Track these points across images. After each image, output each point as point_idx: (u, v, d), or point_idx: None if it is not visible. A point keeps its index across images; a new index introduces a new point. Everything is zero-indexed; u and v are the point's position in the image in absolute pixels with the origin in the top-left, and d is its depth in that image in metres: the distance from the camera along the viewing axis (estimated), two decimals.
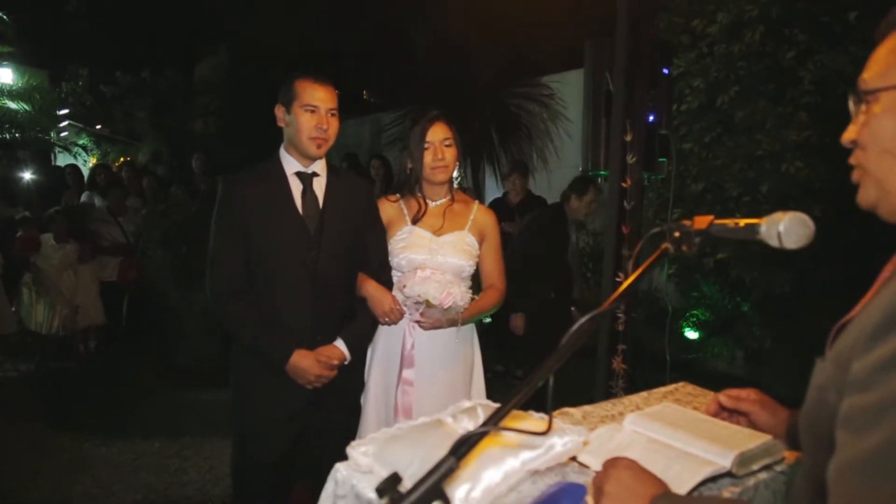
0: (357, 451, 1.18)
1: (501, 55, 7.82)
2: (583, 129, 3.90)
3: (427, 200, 2.47)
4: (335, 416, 2.38)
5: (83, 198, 6.89)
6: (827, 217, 3.47)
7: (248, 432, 2.37)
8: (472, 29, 7.81)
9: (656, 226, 1.32)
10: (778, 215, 1.12)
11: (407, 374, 2.38)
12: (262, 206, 2.21)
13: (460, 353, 2.46)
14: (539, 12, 7.02)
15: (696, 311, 5.66)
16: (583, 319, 1.09)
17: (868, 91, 0.96)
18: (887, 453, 0.74)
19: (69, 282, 5.90)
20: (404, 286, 2.29)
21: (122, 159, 11.92)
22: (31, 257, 5.78)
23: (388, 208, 2.48)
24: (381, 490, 0.88)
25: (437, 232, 2.43)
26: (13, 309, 5.97)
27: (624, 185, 3.65)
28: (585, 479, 1.21)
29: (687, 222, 1.24)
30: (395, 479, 0.90)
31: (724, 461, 1.23)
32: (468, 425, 1.24)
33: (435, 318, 2.31)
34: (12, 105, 9.14)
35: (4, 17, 9.01)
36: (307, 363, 2.20)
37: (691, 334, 5.72)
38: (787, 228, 1.10)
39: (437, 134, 2.41)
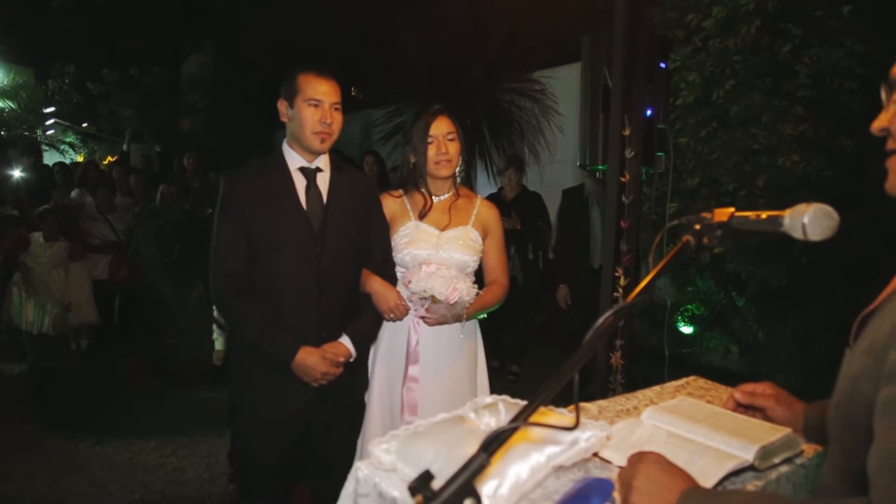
0: (379, 448, 1.16)
1: (492, 50, 7.80)
2: (580, 124, 3.90)
3: (432, 196, 2.45)
4: (339, 413, 2.36)
5: (73, 195, 6.80)
6: None
7: (250, 431, 2.35)
8: (462, 24, 7.79)
9: (674, 218, 1.31)
10: (802, 207, 1.11)
11: (412, 370, 2.37)
12: (266, 202, 2.18)
13: (464, 348, 2.45)
14: (529, 7, 7.00)
15: (690, 306, 5.67)
16: (607, 314, 1.08)
17: None
18: None
19: (59, 280, 5.82)
20: (409, 282, 2.27)
21: (108, 158, 11.80)
22: (20, 256, 5.70)
23: (392, 204, 2.46)
24: (414, 488, 0.87)
25: (442, 227, 2.41)
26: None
27: (622, 179, 3.65)
28: (608, 475, 1.20)
29: (707, 214, 1.23)
30: (427, 476, 0.88)
31: (747, 455, 1.22)
32: (490, 421, 1.22)
33: (440, 313, 2.30)
34: None
35: None
36: (313, 360, 2.17)
37: (685, 329, 5.73)
38: (811, 220, 1.09)
39: (441, 128, 2.39)
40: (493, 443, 0.90)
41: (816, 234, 1.10)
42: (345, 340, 2.27)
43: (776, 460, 1.27)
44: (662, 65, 3.92)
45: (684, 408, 1.45)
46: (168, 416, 4.59)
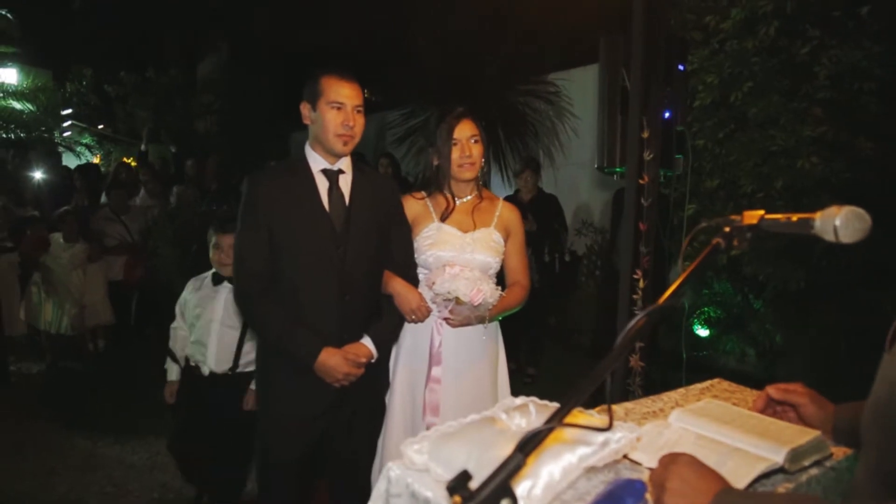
0: (411, 448, 1.17)
1: (506, 52, 7.80)
2: (598, 126, 3.89)
3: (455, 198, 2.47)
4: (360, 414, 2.37)
5: (103, 198, 6.86)
6: None
7: (271, 431, 2.36)
8: (477, 26, 7.79)
9: (704, 221, 1.31)
10: (833, 209, 1.11)
11: (435, 371, 2.38)
12: (288, 204, 2.20)
13: (486, 350, 2.46)
14: (543, 9, 7.00)
15: (706, 309, 5.65)
16: (639, 316, 1.09)
17: None
18: None
19: (78, 281, 5.89)
20: (433, 283, 2.28)
21: (125, 159, 11.90)
22: (40, 257, 5.77)
23: (414, 205, 2.47)
24: (452, 488, 0.87)
25: (465, 229, 2.42)
26: (22, 309, 5.95)
27: (641, 181, 3.65)
28: (638, 476, 1.20)
29: (736, 217, 1.23)
30: (464, 476, 0.89)
31: (777, 457, 1.22)
32: (521, 422, 1.23)
33: (464, 315, 2.31)
34: (17, 105, 9.12)
35: (9, 16, 8.98)
36: (335, 361, 2.18)
37: (702, 332, 5.71)
38: (843, 222, 1.09)
39: (465, 131, 2.40)
40: (530, 443, 0.91)
41: (848, 236, 1.10)
42: (366, 342, 2.28)
43: (806, 463, 1.27)
44: (681, 67, 3.91)
45: (712, 410, 1.45)
46: None
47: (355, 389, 2.27)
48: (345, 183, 2.30)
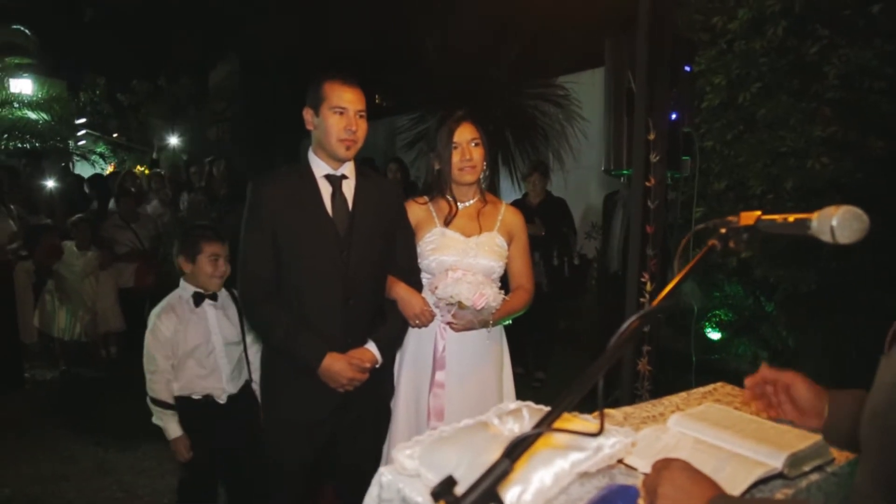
0: (403, 454, 1.16)
1: (515, 56, 7.80)
2: (604, 129, 3.88)
3: (457, 202, 2.46)
4: (365, 419, 2.37)
5: (111, 206, 6.93)
6: None
7: (276, 435, 2.36)
8: (485, 30, 7.79)
9: (701, 222, 1.30)
10: (830, 210, 1.09)
11: (439, 376, 2.37)
12: (292, 209, 2.20)
13: (491, 354, 2.44)
14: (552, 13, 6.99)
15: (717, 311, 5.60)
16: (631, 319, 1.07)
17: None
18: None
19: (91, 288, 5.94)
20: (436, 288, 2.28)
21: (138, 167, 12.02)
22: (53, 265, 5.82)
23: (417, 210, 2.47)
24: (437, 493, 0.87)
25: (468, 233, 2.41)
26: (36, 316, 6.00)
27: (647, 184, 3.62)
28: (633, 482, 1.19)
29: (733, 218, 1.22)
30: (450, 482, 0.88)
31: (776, 462, 1.20)
32: (514, 427, 1.22)
33: (467, 319, 2.30)
34: (32, 115, 9.27)
35: (26, 31, 9.14)
36: (340, 366, 2.18)
37: (713, 334, 5.66)
38: (840, 222, 1.07)
39: (465, 134, 2.40)
40: (517, 449, 0.90)
41: (846, 236, 1.08)
42: (371, 346, 2.28)
43: (806, 468, 1.25)
44: (687, 68, 3.88)
45: (711, 414, 1.43)
46: None
47: (360, 394, 2.27)
48: (348, 188, 2.30)
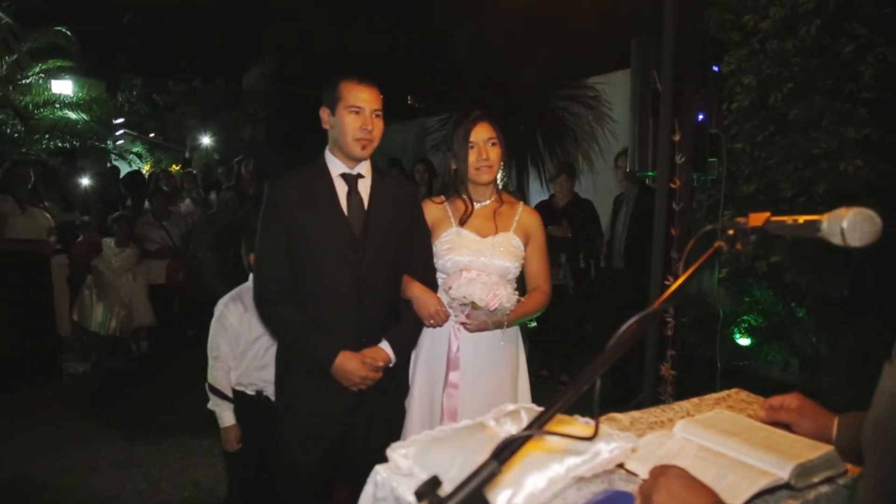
0: (397, 453, 1.16)
1: (545, 57, 7.75)
2: (630, 130, 3.83)
3: (473, 202, 2.45)
4: (379, 419, 2.36)
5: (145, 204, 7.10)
6: (888, 217, 3.30)
7: (290, 435, 2.37)
8: (515, 31, 7.76)
9: (708, 224, 1.27)
10: (841, 211, 1.06)
11: (452, 376, 2.36)
12: (308, 208, 2.21)
13: (505, 355, 2.42)
14: (582, 13, 6.93)
15: (747, 317, 5.48)
16: (630, 321, 1.05)
17: None
18: None
19: (127, 284, 6.11)
20: (450, 288, 2.27)
21: (174, 166, 12.26)
22: (92, 260, 5.99)
23: (433, 210, 2.46)
24: (420, 494, 0.86)
25: (483, 234, 2.40)
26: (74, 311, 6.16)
27: (672, 186, 3.57)
28: (633, 487, 1.16)
29: (741, 220, 1.19)
30: (434, 482, 0.87)
31: (782, 472, 1.16)
32: (511, 429, 1.20)
33: (481, 319, 2.29)
34: (72, 115, 9.53)
35: (67, 32, 9.39)
36: (353, 365, 2.19)
37: (743, 340, 5.55)
38: (851, 225, 1.03)
39: (481, 134, 2.39)
40: (506, 450, 0.89)
41: (856, 239, 1.04)
42: (384, 346, 2.28)
43: (815, 479, 1.21)
44: (715, 68, 3.81)
45: (719, 421, 1.39)
46: None
47: (373, 394, 2.27)
48: (364, 187, 2.30)
